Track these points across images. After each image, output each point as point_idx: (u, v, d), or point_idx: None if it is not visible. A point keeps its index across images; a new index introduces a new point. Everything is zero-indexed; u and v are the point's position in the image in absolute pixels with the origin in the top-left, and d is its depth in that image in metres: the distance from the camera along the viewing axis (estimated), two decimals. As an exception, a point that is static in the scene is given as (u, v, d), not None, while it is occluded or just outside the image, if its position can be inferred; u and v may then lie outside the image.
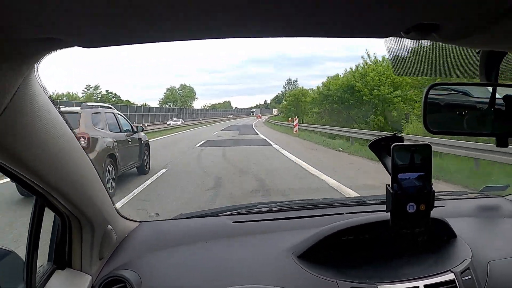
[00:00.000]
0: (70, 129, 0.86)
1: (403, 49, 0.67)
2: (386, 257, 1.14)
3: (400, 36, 0.57)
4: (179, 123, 33.73)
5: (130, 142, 7.16)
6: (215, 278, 1.08)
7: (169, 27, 0.52)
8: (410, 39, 0.57)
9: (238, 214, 1.48)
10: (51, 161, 0.78)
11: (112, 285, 1.05)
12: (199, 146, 13.73)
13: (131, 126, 7.65)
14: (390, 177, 0.98)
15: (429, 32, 0.53)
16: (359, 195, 4.19)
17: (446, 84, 0.95)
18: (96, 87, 48.95)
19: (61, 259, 1.02)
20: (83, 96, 45.78)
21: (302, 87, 42.01)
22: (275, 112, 60.33)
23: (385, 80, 19.19)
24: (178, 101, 63.44)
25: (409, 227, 1.01)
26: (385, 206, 1.00)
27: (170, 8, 0.45)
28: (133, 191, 5.99)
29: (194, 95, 69.18)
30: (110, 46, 0.57)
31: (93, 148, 5.74)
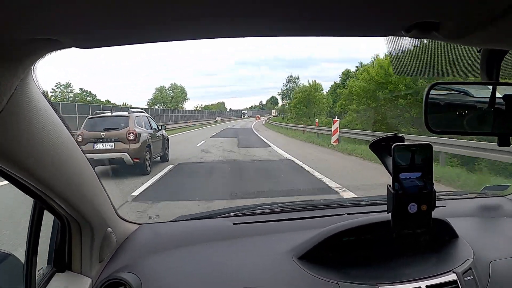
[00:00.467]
0: (69, 132, 0.85)
1: (404, 48, 0.66)
2: (388, 257, 1.13)
3: (401, 35, 0.57)
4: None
5: (157, 137, 9.26)
6: (216, 280, 1.07)
7: (166, 27, 0.52)
8: (411, 37, 0.57)
9: (238, 216, 1.48)
10: (49, 163, 0.77)
11: (112, 287, 1.05)
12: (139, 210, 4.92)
13: (157, 125, 9.81)
14: (391, 177, 0.97)
15: (429, 30, 0.53)
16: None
17: (447, 84, 0.94)
18: (67, 85, 44.02)
19: (61, 261, 1.02)
20: (52, 95, 39.39)
21: (315, 80, 34.29)
22: (274, 114, 59.68)
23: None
24: (168, 102, 60.18)
25: (411, 228, 1.00)
26: (386, 206, 0.99)
27: (167, 8, 0.44)
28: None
29: (186, 96, 66.22)
30: (108, 46, 0.56)
31: (138, 140, 7.95)
